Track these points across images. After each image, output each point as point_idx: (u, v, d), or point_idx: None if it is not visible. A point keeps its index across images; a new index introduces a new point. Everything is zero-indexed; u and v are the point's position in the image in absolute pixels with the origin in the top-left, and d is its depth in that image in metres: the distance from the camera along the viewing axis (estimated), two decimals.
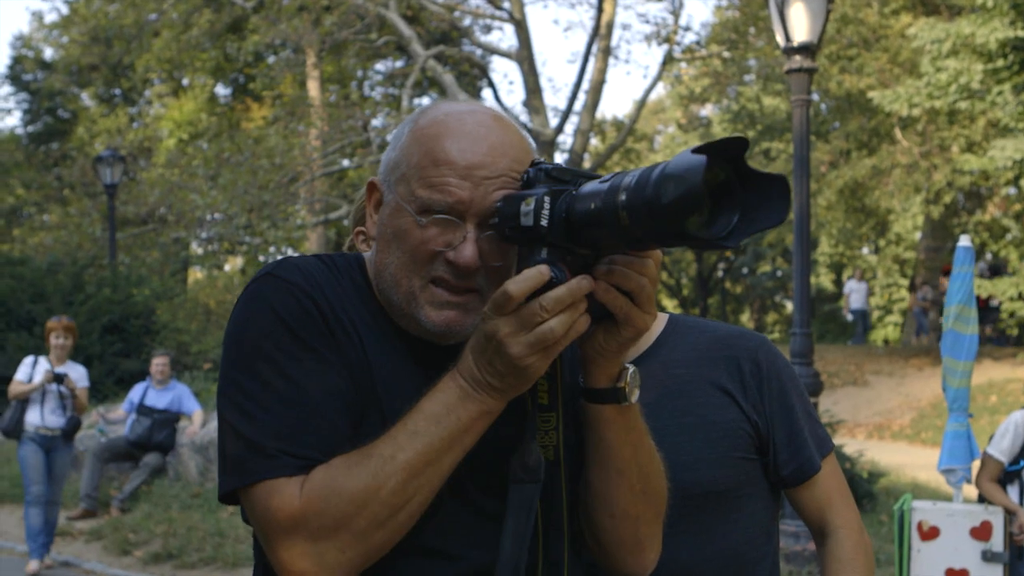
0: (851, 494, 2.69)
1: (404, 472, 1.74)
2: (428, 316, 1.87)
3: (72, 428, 10.73)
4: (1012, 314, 22.42)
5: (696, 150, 1.58)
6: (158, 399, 13.19)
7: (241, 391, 1.82)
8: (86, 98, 39.37)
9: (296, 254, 2.04)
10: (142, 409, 13.15)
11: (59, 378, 10.56)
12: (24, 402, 10.60)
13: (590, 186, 1.74)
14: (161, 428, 13.17)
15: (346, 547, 1.75)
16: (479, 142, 1.87)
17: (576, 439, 1.99)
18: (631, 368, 1.89)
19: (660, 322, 2.71)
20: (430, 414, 1.77)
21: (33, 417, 10.59)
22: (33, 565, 10.52)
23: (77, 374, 10.86)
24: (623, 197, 1.64)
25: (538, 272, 1.71)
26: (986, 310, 24.41)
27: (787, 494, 2.67)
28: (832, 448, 2.70)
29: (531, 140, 1.97)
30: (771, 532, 2.66)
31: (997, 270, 27.19)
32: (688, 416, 2.56)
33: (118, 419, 13.85)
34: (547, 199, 1.75)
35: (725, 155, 1.64)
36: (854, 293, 30.94)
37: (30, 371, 10.68)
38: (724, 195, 1.65)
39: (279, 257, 2.02)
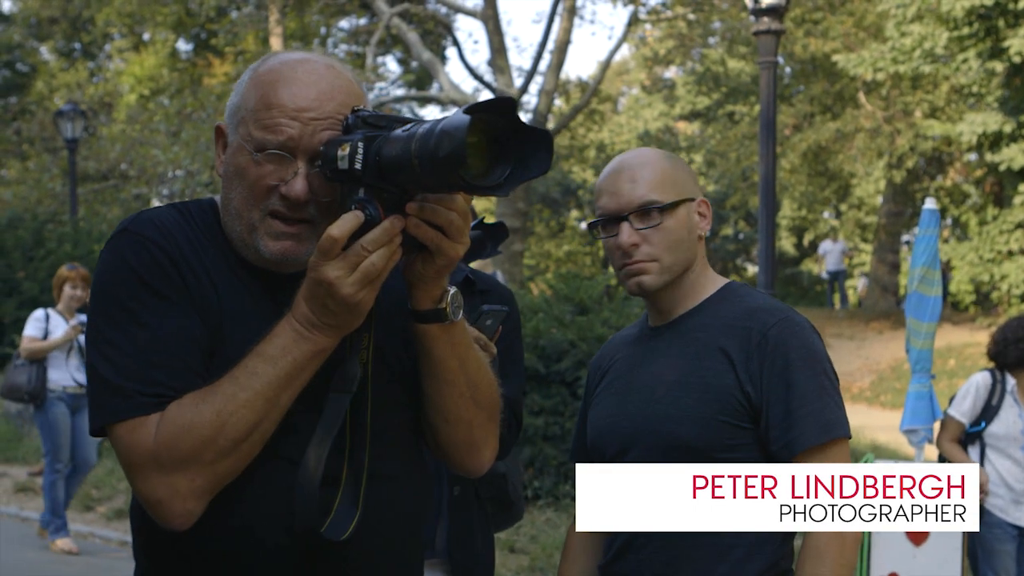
0: None
1: (245, 409, 1.97)
2: (266, 246, 2.08)
3: None
4: (972, 279, 22.57)
5: (465, 110, 1.80)
6: None
7: (102, 337, 2.05)
8: (45, 52, 38.75)
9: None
10: None
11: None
12: (42, 361, 9.57)
13: (396, 132, 1.94)
14: None
15: (195, 476, 1.98)
16: (309, 88, 2.07)
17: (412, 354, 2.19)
18: (452, 290, 2.10)
19: (715, 285, 2.81)
20: (267, 356, 1.99)
21: (59, 376, 9.59)
22: (67, 543, 9.75)
23: None
24: (414, 147, 1.86)
25: (354, 216, 1.94)
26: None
27: None
28: (841, 435, 2.64)
29: (362, 88, 2.18)
30: None
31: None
32: (691, 376, 2.66)
33: None
34: (360, 145, 1.95)
35: (500, 112, 1.86)
36: (829, 255, 30.77)
37: (44, 326, 9.62)
38: (501, 148, 1.88)
39: None
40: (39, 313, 9.78)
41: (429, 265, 2.02)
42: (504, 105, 1.87)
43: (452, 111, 2.11)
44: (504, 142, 1.89)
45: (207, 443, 1.96)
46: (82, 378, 9.52)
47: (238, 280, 2.12)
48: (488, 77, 27.02)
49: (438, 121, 1.85)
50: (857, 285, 36.01)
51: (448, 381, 2.16)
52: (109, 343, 2.03)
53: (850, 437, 2.68)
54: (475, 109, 1.82)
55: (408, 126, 1.93)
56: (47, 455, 9.75)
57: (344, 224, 1.94)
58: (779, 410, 2.61)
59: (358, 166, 1.95)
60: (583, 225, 41.92)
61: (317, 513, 2.03)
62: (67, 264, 10.29)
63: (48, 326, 9.63)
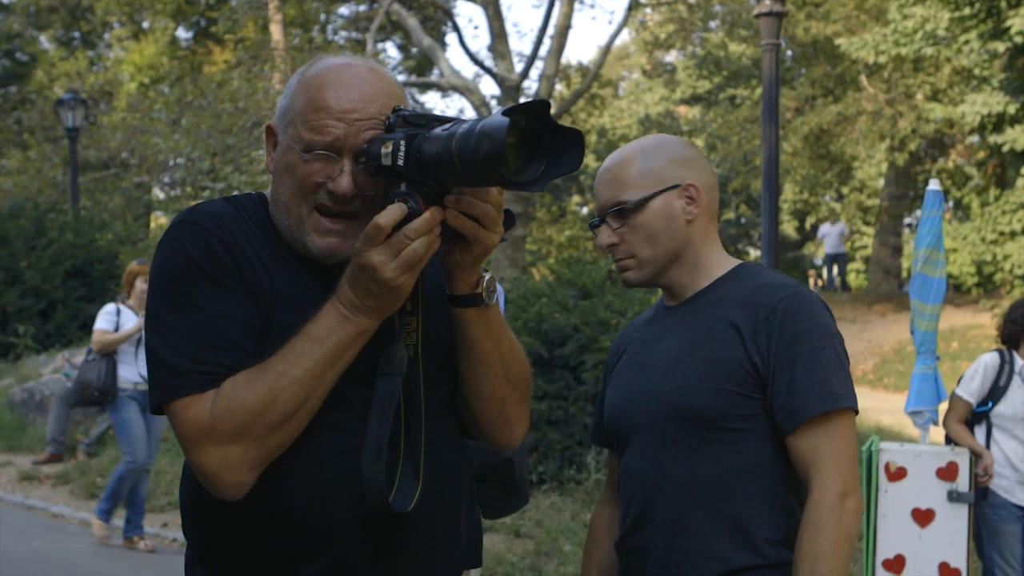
0: (850, 460, 2.62)
1: (294, 386, 2.11)
2: (313, 242, 2.23)
3: None
4: (974, 260, 22.56)
5: (504, 112, 1.95)
6: None
7: (162, 321, 2.20)
8: (45, 41, 38.68)
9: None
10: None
11: None
12: (112, 356, 9.34)
13: (437, 131, 2.07)
14: None
15: (247, 449, 2.12)
16: (353, 90, 2.22)
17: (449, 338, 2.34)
18: (487, 276, 2.25)
19: (728, 264, 2.85)
20: (314, 336, 2.13)
21: (129, 372, 9.36)
22: (103, 528, 9.72)
23: None
24: (455, 146, 2.00)
25: (399, 207, 2.09)
26: None
27: (785, 444, 2.66)
28: (843, 407, 2.64)
29: (402, 89, 2.32)
30: (763, 476, 2.68)
31: None
32: (700, 349, 2.72)
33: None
34: (403, 143, 2.09)
35: (535, 113, 2.01)
36: (828, 237, 30.58)
37: (115, 319, 9.38)
38: (537, 146, 2.04)
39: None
40: (110, 307, 9.53)
41: (466, 253, 2.18)
42: (539, 107, 2.02)
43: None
44: (539, 141, 2.04)
45: (259, 417, 2.11)
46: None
47: (290, 268, 2.26)
48: (488, 63, 26.99)
49: (477, 121, 1.99)
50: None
51: (483, 361, 2.31)
52: (167, 326, 2.19)
53: (857, 411, 2.68)
54: (513, 111, 1.96)
55: (447, 125, 2.06)
56: (126, 455, 9.46)
57: (390, 214, 2.08)
58: (784, 380, 2.64)
59: (400, 162, 2.09)
60: (584, 210, 41.88)
61: (385, 489, 2.17)
62: (137, 259, 10.12)
63: (119, 320, 9.41)
